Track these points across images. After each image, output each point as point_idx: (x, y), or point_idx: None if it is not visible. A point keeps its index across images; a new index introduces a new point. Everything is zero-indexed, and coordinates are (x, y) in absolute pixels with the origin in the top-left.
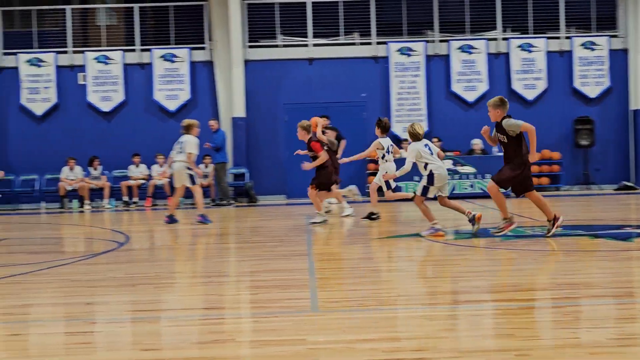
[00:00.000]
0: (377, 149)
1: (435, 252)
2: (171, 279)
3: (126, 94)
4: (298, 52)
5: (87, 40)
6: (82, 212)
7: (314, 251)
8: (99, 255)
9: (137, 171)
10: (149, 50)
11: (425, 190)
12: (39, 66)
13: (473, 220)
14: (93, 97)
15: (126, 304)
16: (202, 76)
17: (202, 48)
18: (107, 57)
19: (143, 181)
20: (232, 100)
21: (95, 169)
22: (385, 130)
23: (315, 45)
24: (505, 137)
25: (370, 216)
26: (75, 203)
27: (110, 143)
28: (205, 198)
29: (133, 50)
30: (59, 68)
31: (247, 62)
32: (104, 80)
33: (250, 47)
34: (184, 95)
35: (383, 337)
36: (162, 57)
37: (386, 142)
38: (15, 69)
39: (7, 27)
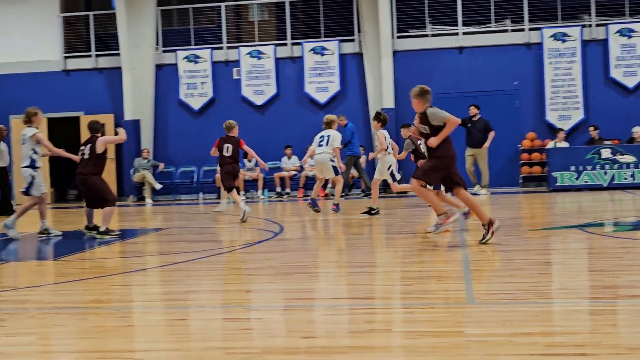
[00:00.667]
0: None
1: (594, 244)
2: (326, 268)
3: (278, 87)
4: (448, 41)
5: (240, 35)
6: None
7: (468, 243)
8: (255, 245)
9: (289, 163)
10: (299, 44)
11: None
12: (196, 62)
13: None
14: (247, 91)
15: (283, 292)
16: (352, 68)
17: (352, 40)
18: (260, 52)
19: (295, 172)
20: (381, 92)
21: (249, 160)
22: (385, 123)
23: (465, 33)
24: (427, 127)
25: (370, 211)
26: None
27: (263, 135)
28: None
29: (284, 44)
30: (215, 63)
31: (396, 53)
32: (257, 75)
33: (399, 37)
34: (334, 87)
35: (542, 332)
36: (312, 50)
37: (387, 135)
38: (174, 65)
39: (166, 26)
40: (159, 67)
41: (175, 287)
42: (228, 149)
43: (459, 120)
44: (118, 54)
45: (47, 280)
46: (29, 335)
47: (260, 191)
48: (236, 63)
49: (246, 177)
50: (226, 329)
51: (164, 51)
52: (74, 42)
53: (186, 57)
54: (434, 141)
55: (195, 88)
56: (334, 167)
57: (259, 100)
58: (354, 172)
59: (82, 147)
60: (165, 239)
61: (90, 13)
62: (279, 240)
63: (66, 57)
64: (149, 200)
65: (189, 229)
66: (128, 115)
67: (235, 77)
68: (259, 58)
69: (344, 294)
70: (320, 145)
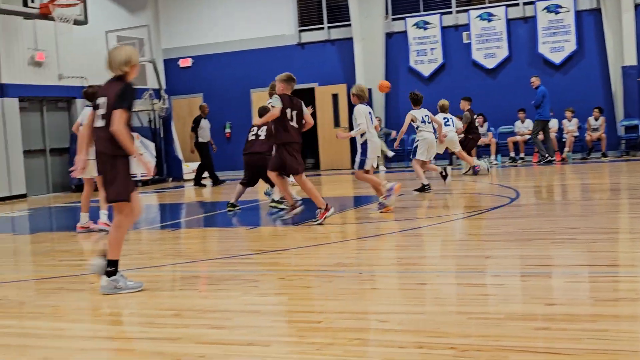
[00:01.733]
0: (412, 121)
1: None
2: (567, 234)
3: (510, 49)
4: None
5: None
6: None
7: None
8: (491, 210)
9: (522, 127)
10: (531, 3)
11: (362, 163)
12: (425, 28)
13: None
14: (477, 55)
15: (522, 258)
16: (588, 25)
17: None
18: (490, 14)
19: (529, 136)
20: (622, 49)
21: (481, 125)
22: (417, 103)
23: None
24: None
25: (423, 188)
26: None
27: (495, 100)
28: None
29: (516, 4)
30: (444, 29)
31: (637, 6)
32: (487, 38)
33: None
34: (570, 46)
35: None
36: (545, 9)
37: (419, 113)
38: (404, 33)
39: None
40: (388, 36)
41: (414, 252)
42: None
43: (277, 114)
44: (349, 25)
45: (292, 245)
46: (279, 295)
47: (493, 156)
48: (466, 27)
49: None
50: (466, 294)
51: (394, 19)
52: (307, 16)
53: (415, 24)
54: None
55: (425, 54)
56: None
57: (490, 64)
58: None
59: (253, 129)
60: (399, 205)
61: None
62: (515, 206)
63: (300, 31)
64: (382, 168)
65: (423, 195)
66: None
67: (465, 41)
68: (490, 20)
69: (586, 261)
70: (447, 125)
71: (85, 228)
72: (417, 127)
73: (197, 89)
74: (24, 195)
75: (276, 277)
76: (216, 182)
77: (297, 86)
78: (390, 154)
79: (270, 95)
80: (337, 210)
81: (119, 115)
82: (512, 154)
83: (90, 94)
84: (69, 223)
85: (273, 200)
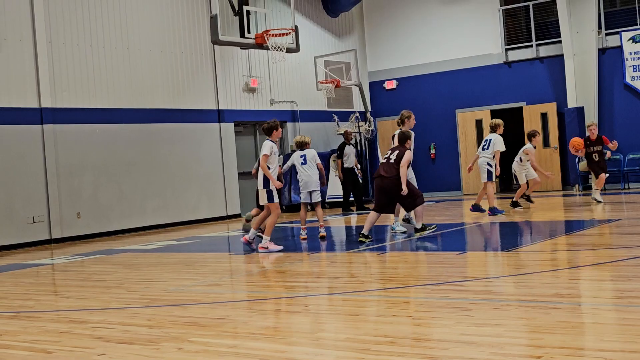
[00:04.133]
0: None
1: None
2: None
3: None
4: None
5: None
6: None
7: None
8: None
9: None
10: None
11: None
12: None
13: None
14: None
15: None
16: None
17: None
18: None
19: None
20: None
21: None
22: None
23: None
24: None
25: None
26: None
27: None
28: None
29: None
30: None
31: None
32: None
33: None
34: None
35: None
36: None
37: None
38: (619, 48)
39: (608, 7)
40: (602, 51)
41: (635, 284)
42: None
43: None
44: (559, 42)
45: (504, 272)
46: (495, 326)
47: None
48: None
49: None
50: None
51: (607, 34)
52: (515, 34)
53: (631, 38)
54: None
55: None
56: (489, 172)
57: None
58: None
59: (389, 152)
60: (616, 230)
61: (530, 3)
62: None
63: (507, 49)
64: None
65: None
66: (571, 103)
67: None
68: None
69: None
70: (483, 149)
71: (264, 248)
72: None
73: (402, 110)
74: (238, 215)
75: (491, 306)
76: (360, 206)
77: (504, 105)
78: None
79: (399, 123)
80: (548, 236)
81: None
82: None
83: (267, 129)
84: (280, 243)
85: (416, 230)
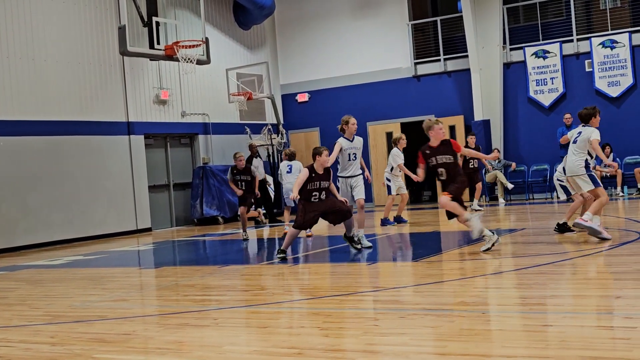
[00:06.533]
0: None
1: None
2: None
3: (635, 77)
4: None
5: (591, 26)
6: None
7: None
8: (619, 247)
9: None
10: None
11: None
12: (545, 58)
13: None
14: (600, 83)
15: None
16: None
17: None
18: (613, 41)
19: None
20: None
21: (607, 156)
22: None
23: None
24: None
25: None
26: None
27: (620, 129)
28: None
29: None
30: (564, 57)
31: None
32: (610, 65)
33: None
34: None
35: None
36: None
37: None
38: (522, 62)
39: (512, 23)
40: (506, 66)
41: (537, 291)
42: None
43: None
44: (466, 56)
45: (412, 282)
46: (401, 335)
47: (619, 188)
48: (587, 55)
49: (603, 173)
50: (594, 337)
51: (512, 49)
52: (423, 48)
53: (534, 53)
54: None
55: (545, 84)
56: (388, 187)
57: (614, 92)
58: None
59: None
60: (521, 239)
61: (438, 18)
62: None
63: (416, 63)
64: (501, 200)
65: (546, 229)
66: (478, 116)
67: (587, 69)
68: (612, 48)
69: None
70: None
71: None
72: None
73: (314, 123)
74: (149, 229)
75: (397, 315)
76: (271, 218)
77: (413, 118)
78: (510, 186)
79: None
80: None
81: None
82: (639, 186)
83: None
84: (192, 257)
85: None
